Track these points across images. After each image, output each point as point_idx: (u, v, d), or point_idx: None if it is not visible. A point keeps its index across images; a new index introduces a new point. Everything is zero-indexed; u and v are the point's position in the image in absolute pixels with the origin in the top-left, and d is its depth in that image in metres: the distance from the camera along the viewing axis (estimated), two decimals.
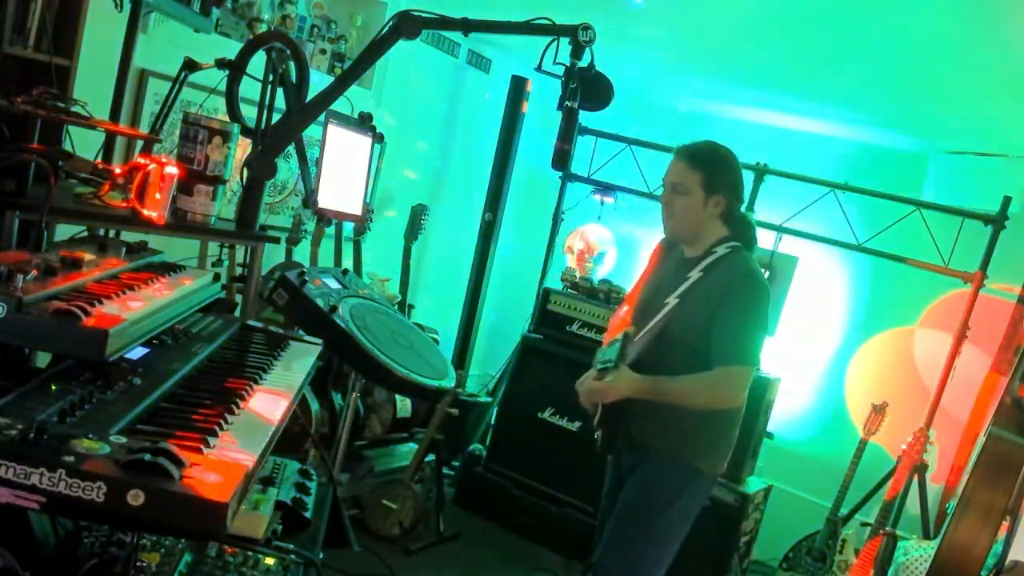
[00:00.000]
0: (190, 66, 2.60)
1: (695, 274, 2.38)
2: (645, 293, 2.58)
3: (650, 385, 2.31)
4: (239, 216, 2.45)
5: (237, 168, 2.46)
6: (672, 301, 2.39)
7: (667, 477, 2.42)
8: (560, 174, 4.78)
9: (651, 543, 2.42)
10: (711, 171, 2.38)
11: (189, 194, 2.24)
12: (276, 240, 2.61)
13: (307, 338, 2.06)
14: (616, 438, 2.48)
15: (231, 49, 2.75)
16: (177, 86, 2.62)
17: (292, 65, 2.61)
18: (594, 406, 2.43)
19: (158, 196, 1.97)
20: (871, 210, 4.10)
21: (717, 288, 2.33)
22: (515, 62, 5.16)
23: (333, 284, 2.97)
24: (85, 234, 2.10)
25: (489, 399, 4.89)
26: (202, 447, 1.16)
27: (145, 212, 1.96)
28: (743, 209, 2.53)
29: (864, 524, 3.85)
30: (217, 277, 1.98)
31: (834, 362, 4.71)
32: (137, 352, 1.45)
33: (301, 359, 1.86)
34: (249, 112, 2.62)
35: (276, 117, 2.60)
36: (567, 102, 2.32)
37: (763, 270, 2.52)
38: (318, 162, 3.28)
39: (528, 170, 5.46)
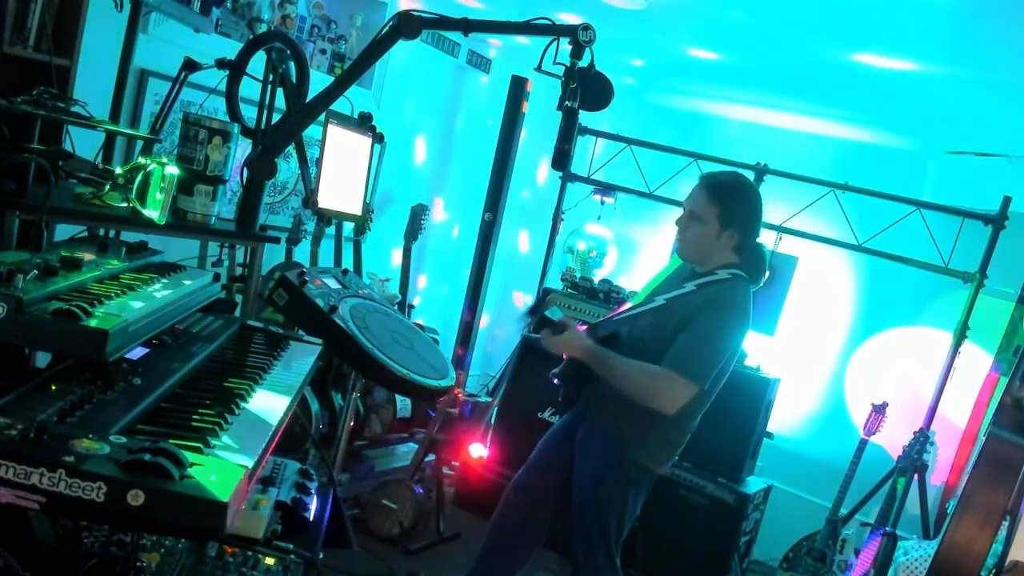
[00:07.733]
0: (190, 66, 2.60)
1: (690, 286, 2.50)
2: (652, 280, 2.75)
3: (596, 355, 2.45)
4: (239, 216, 2.45)
5: (237, 168, 2.46)
6: (659, 300, 2.53)
7: (614, 465, 2.53)
8: (560, 174, 4.77)
9: (610, 516, 2.58)
10: (729, 206, 2.48)
11: (189, 194, 2.24)
12: (276, 240, 2.61)
13: (307, 338, 2.06)
14: (577, 399, 2.69)
15: (231, 49, 2.74)
16: (177, 86, 2.61)
17: (292, 65, 2.61)
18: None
19: (158, 196, 1.97)
20: (871, 210, 4.10)
21: (698, 303, 2.44)
22: (515, 62, 5.16)
23: (333, 284, 2.96)
24: (85, 234, 2.09)
25: (489, 399, 4.89)
26: (202, 447, 1.16)
27: (145, 212, 1.96)
28: (758, 240, 2.60)
29: (864, 524, 3.85)
30: (217, 277, 1.97)
31: (834, 362, 4.71)
32: (137, 352, 1.45)
33: (301, 359, 1.86)
34: (249, 112, 2.62)
35: (276, 117, 2.60)
36: (567, 102, 2.32)
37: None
38: (318, 162, 3.28)
39: (528, 170, 5.45)
